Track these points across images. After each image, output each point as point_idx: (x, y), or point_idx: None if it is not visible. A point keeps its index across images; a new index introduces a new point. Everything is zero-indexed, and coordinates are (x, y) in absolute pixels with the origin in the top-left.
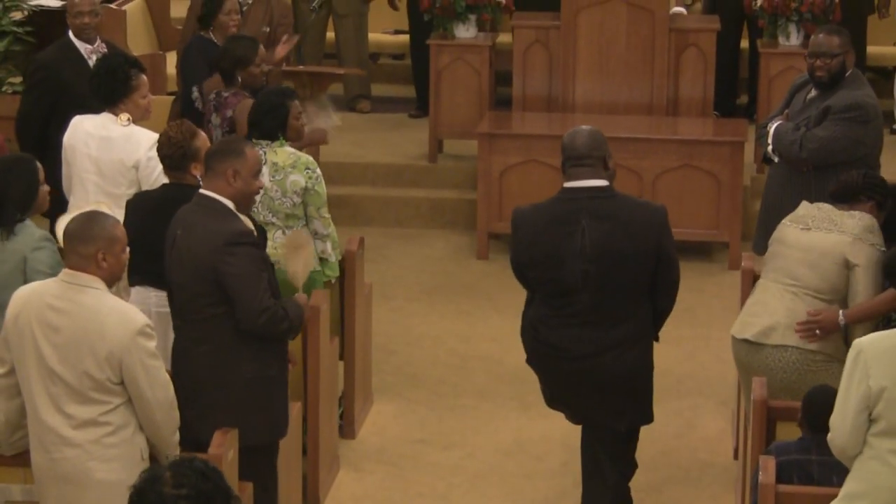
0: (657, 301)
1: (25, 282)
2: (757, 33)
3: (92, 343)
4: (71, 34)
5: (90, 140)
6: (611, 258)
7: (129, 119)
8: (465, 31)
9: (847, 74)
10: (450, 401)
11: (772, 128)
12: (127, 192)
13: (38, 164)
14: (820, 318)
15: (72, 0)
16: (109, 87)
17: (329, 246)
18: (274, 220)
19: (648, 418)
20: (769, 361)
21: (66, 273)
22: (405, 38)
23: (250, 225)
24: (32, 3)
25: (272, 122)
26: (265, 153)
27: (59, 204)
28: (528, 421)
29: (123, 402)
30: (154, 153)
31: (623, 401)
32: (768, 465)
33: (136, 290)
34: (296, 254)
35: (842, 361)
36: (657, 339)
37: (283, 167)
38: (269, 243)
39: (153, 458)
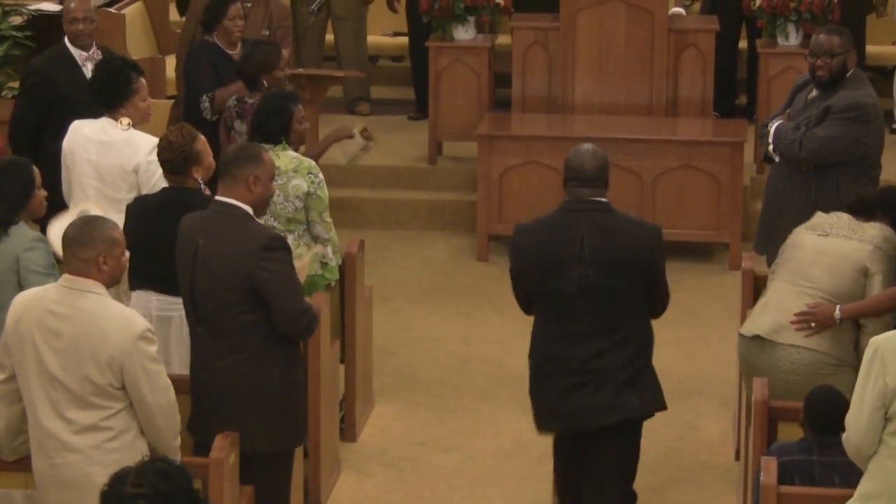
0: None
1: (19, 282)
2: (756, 33)
3: (93, 348)
4: (66, 40)
5: (90, 144)
6: (608, 265)
7: (128, 123)
8: (464, 33)
9: (848, 74)
10: (450, 403)
11: (772, 127)
12: (127, 196)
13: (35, 169)
14: (816, 310)
15: (67, 6)
16: (109, 91)
17: (330, 250)
18: (275, 224)
19: (655, 407)
20: (780, 361)
21: (66, 278)
22: (404, 40)
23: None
24: (32, 7)
25: (275, 126)
26: None
27: (55, 209)
28: (528, 423)
29: (124, 406)
30: (154, 157)
31: (618, 396)
32: (770, 466)
33: (137, 294)
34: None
35: (853, 368)
36: None
37: (286, 171)
38: None
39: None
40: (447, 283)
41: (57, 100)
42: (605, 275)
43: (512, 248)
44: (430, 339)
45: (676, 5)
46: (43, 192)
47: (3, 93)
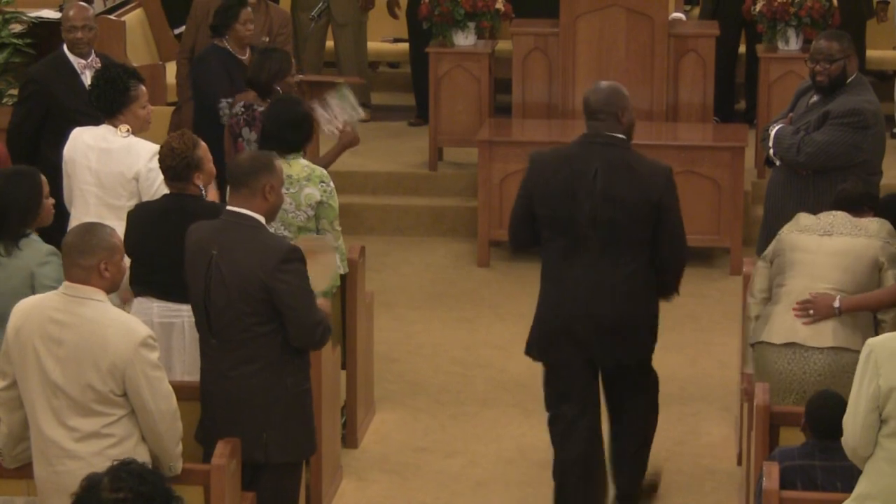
0: (661, 255)
1: None
2: (756, 38)
3: (94, 355)
4: (65, 48)
5: (90, 152)
6: (615, 203)
7: (128, 130)
8: (465, 39)
9: (850, 80)
10: (452, 409)
11: (773, 131)
12: (128, 203)
13: (42, 177)
14: (815, 298)
15: (66, 14)
16: (109, 98)
17: (338, 258)
18: (286, 233)
19: (648, 351)
20: (819, 366)
21: (67, 286)
22: (404, 46)
23: None
24: (32, 14)
25: (298, 136)
26: None
27: (58, 217)
28: (530, 428)
29: (126, 413)
30: (154, 164)
31: (627, 337)
32: (772, 471)
33: (138, 301)
34: (312, 259)
35: None
36: (678, 293)
37: (298, 180)
38: None
39: (156, 469)
40: (448, 289)
41: (54, 108)
42: (612, 212)
43: (526, 176)
44: (432, 345)
45: (676, 10)
46: (51, 201)
47: (4, 100)
